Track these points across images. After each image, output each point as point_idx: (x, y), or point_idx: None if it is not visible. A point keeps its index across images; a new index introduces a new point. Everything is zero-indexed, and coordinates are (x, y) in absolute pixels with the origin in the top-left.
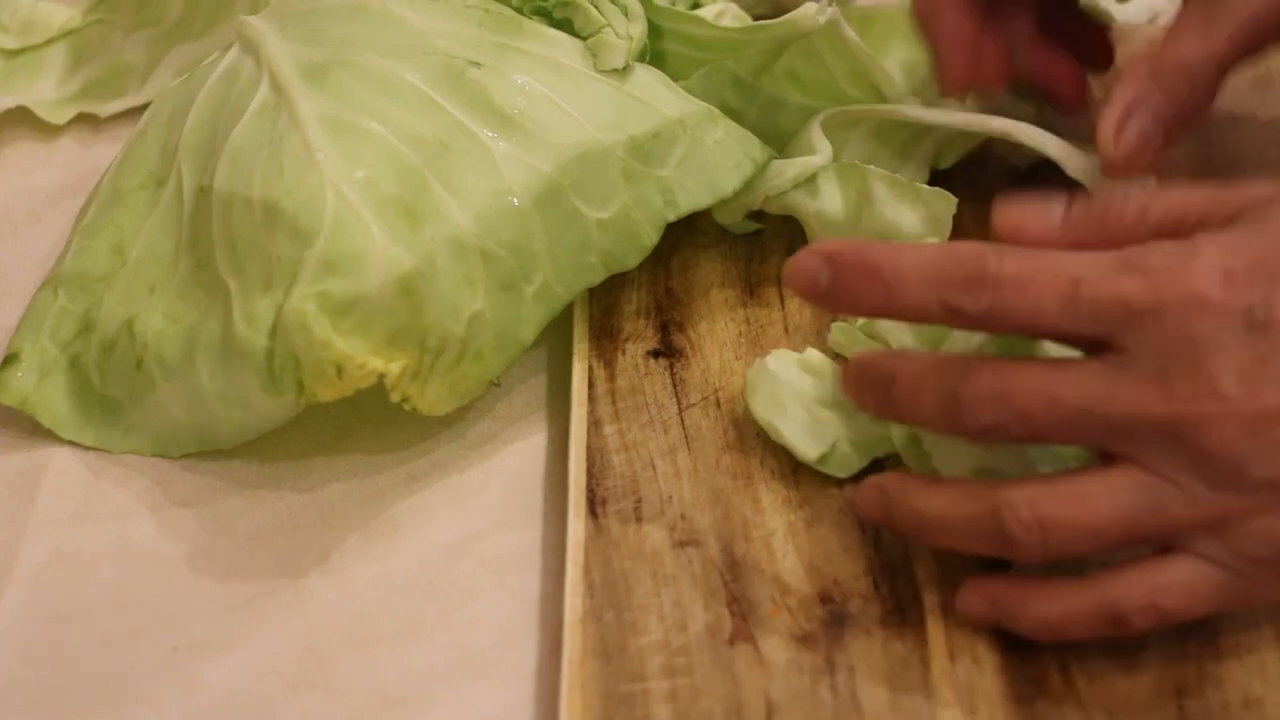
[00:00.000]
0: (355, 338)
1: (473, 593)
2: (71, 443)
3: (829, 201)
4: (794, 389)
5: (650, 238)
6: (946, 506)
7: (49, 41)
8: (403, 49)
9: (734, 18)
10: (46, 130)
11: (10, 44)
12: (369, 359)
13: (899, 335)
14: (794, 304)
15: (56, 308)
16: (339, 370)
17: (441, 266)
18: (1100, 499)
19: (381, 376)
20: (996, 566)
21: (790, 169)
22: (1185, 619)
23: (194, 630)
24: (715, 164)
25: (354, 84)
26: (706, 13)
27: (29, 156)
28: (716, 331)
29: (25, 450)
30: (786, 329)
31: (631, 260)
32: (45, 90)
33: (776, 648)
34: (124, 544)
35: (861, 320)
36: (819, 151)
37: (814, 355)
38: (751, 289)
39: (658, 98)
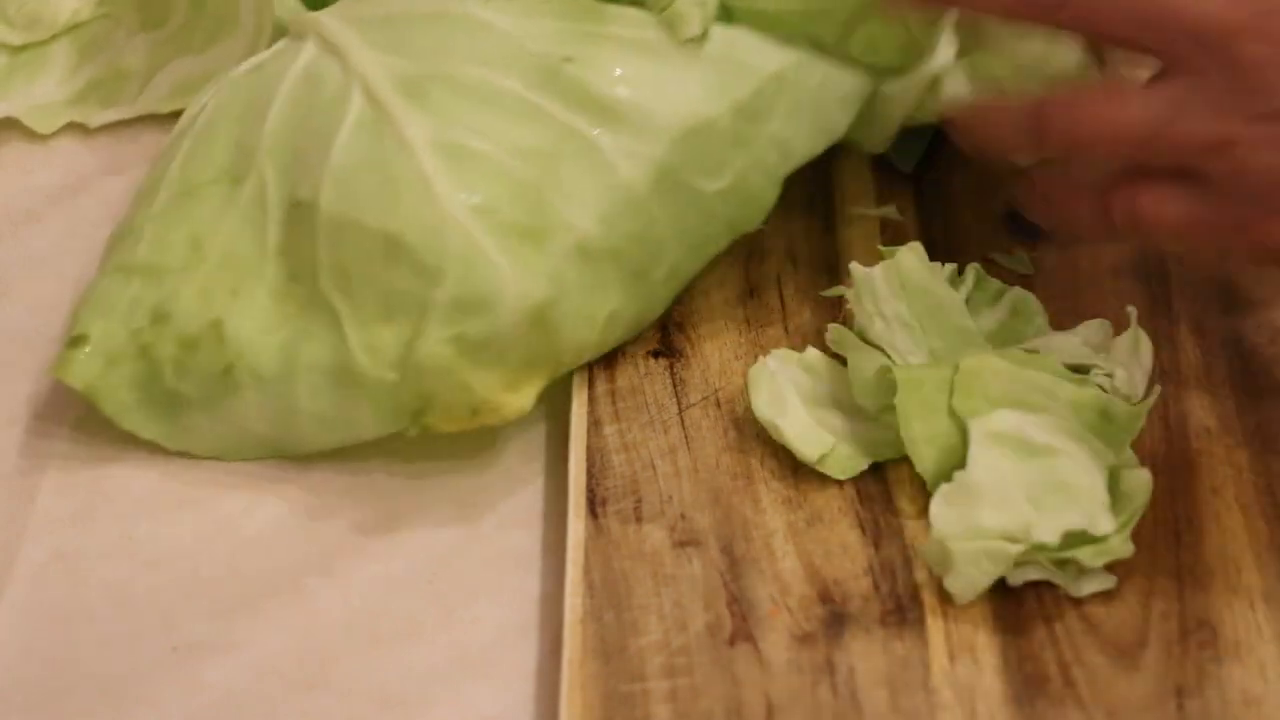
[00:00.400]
0: (491, 370)
1: (473, 593)
2: (72, 443)
3: (960, 87)
4: (794, 389)
5: (770, 196)
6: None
7: (54, 37)
8: (494, 55)
9: None
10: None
11: (15, 39)
12: (504, 401)
13: (898, 341)
14: (794, 304)
15: (129, 295)
16: (474, 411)
17: (571, 280)
18: (1133, 101)
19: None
20: (1002, 594)
21: (914, 84)
22: (1152, 229)
23: (194, 630)
24: (822, 107)
25: (456, 101)
26: None
27: (28, 157)
28: (716, 331)
29: (26, 450)
30: (786, 329)
31: (754, 221)
32: (46, 90)
33: (776, 648)
34: (124, 544)
35: (858, 324)
36: (939, 55)
37: (814, 355)
38: (751, 289)
39: (751, 54)
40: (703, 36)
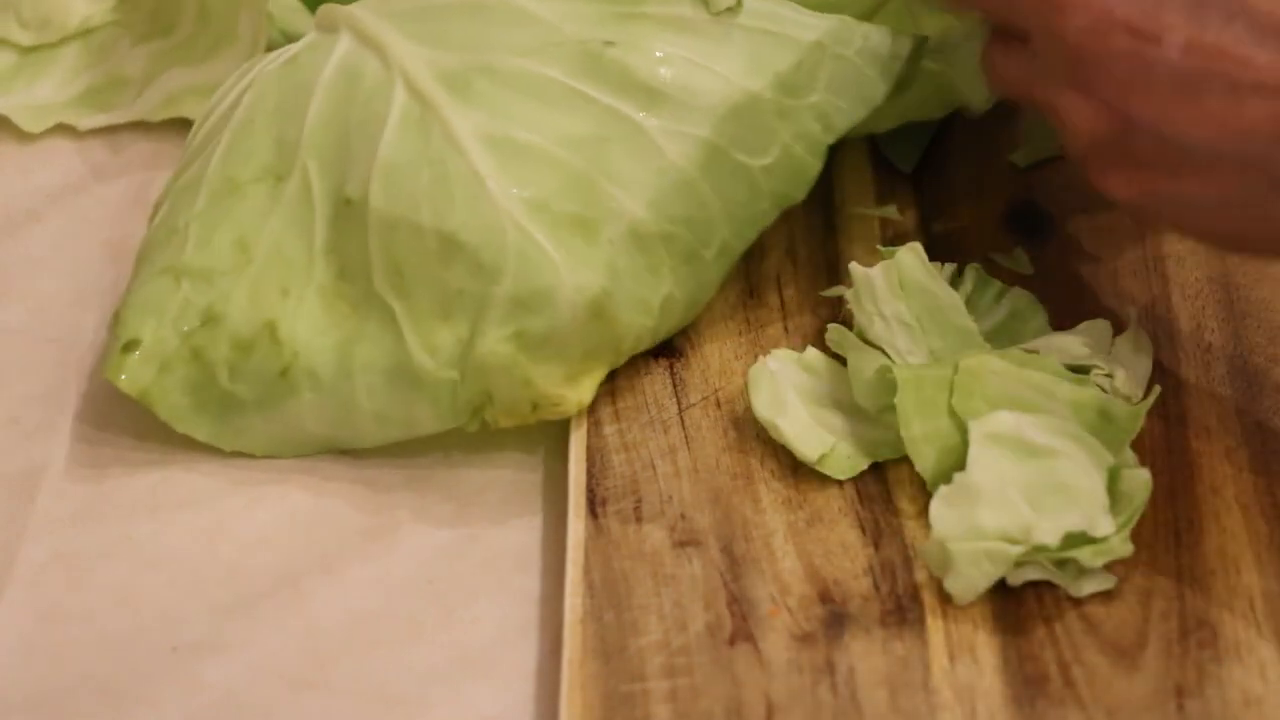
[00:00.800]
0: (552, 364)
1: (473, 593)
2: (72, 443)
3: None
4: (794, 389)
5: (814, 168)
6: None
7: (64, 41)
8: (535, 43)
9: None
10: (47, 129)
11: (25, 40)
12: (565, 396)
13: (898, 341)
14: (794, 304)
15: (179, 299)
16: (534, 407)
17: (624, 268)
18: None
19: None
20: (1002, 594)
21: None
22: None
23: (194, 630)
24: (863, 74)
25: (500, 93)
26: None
27: (29, 156)
28: (716, 331)
29: (25, 450)
30: (786, 329)
31: (800, 194)
32: (45, 92)
33: (776, 648)
34: (124, 544)
35: (858, 324)
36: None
37: (814, 355)
38: (751, 289)
39: (788, 25)
40: (738, 7)
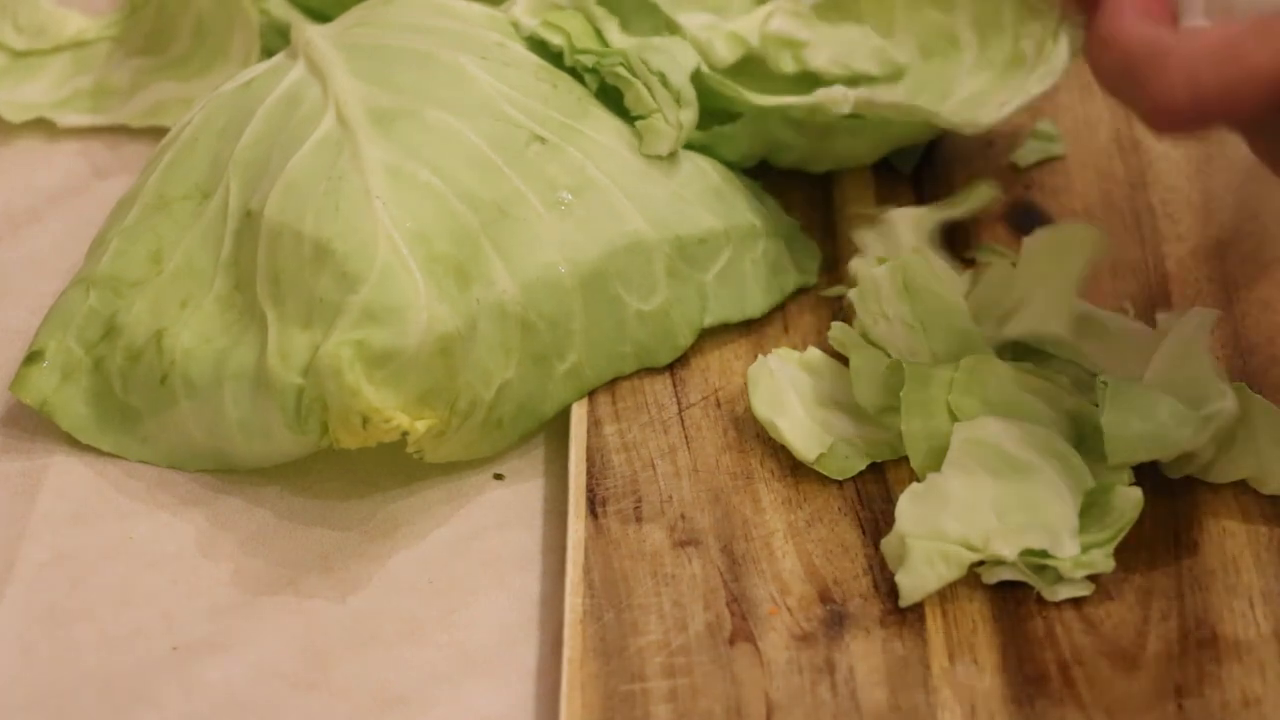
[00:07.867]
0: (387, 390)
1: (473, 593)
2: (72, 443)
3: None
4: (794, 389)
5: (685, 338)
6: None
7: (56, 49)
8: (471, 108)
9: (783, 16)
10: (47, 131)
11: (19, 45)
12: (396, 415)
13: (900, 342)
14: (794, 304)
15: (85, 309)
16: (365, 421)
17: (481, 330)
18: None
19: (404, 434)
20: (1002, 594)
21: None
22: None
23: (194, 630)
24: (749, 283)
25: (420, 136)
26: (759, 13)
27: (30, 156)
28: (716, 331)
29: (26, 450)
30: (786, 329)
31: (664, 358)
32: (32, 93)
33: (776, 647)
34: (124, 544)
35: (860, 324)
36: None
37: (814, 355)
38: None
39: (709, 204)
40: (670, 158)
